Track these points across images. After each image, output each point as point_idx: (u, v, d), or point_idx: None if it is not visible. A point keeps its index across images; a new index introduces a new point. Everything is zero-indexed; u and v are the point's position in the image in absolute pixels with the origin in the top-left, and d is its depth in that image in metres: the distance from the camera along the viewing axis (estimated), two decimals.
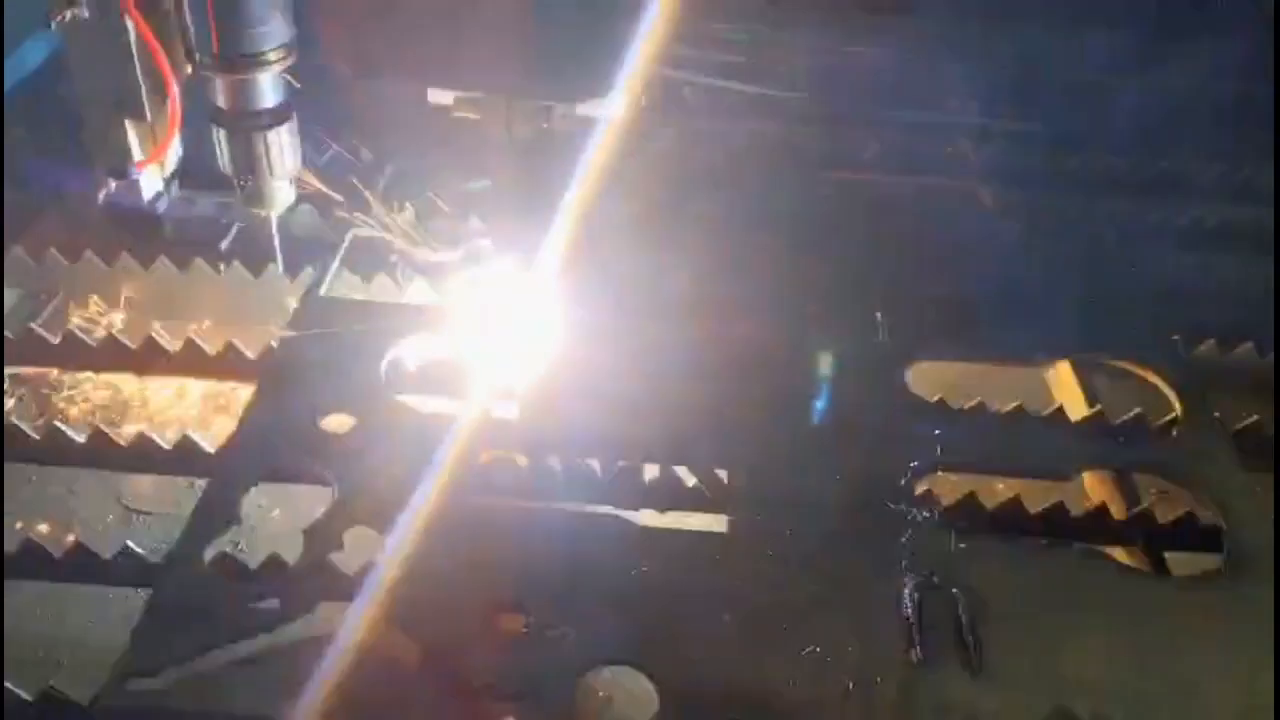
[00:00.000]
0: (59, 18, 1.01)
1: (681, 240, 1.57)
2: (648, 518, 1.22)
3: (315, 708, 0.97)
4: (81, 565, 1.14)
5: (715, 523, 1.22)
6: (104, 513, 1.43)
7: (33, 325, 1.38)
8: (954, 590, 1.14)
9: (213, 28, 1.07)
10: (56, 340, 1.38)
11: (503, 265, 1.39)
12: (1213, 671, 1.09)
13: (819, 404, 1.35)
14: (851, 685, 1.05)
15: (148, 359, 1.39)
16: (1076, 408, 1.42)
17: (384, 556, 1.11)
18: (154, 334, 1.38)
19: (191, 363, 1.39)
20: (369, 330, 1.38)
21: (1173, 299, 1.61)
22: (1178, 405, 1.41)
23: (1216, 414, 1.40)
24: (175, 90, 1.06)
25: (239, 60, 1.09)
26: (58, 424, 1.25)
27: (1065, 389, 1.48)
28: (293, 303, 1.46)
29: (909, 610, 1.12)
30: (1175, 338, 1.50)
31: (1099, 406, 1.39)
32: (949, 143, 1.95)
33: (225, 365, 1.38)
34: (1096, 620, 1.14)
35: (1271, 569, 1.20)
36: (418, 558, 1.12)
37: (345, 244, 1.53)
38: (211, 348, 1.38)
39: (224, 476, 1.19)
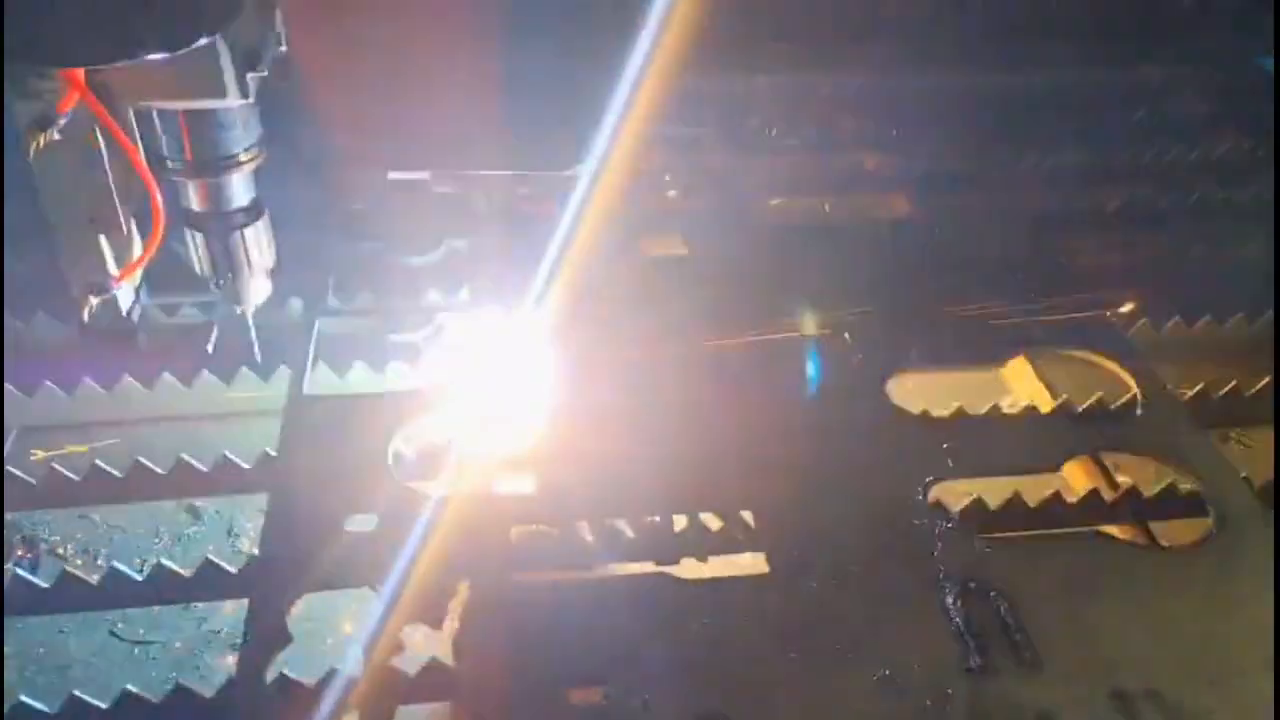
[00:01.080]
0: (35, 145, 0.98)
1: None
2: (690, 569, 1.25)
3: None
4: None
5: (755, 563, 1.25)
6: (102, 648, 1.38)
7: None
8: (991, 593, 1.21)
9: (185, 134, 1.05)
10: (35, 482, 1.32)
11: (484, 325, 1.41)
12: (1233, 625, 1.18)
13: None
14: (929, 703, 1.10)
15: (138, 484, 1.34)
16: (1043, 401, 1.51)
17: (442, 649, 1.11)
18: (139, 460, 1.33)
19: (186, 482, 1.34)
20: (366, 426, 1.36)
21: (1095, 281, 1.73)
22: (1133, 384, 1.52)
23: (1168, 386, 1.52)
24: (159, 197, 1.03)
25: (212, 163, 1.07)
26: (68, 568, 1.20)
27: (1025, 384, 1.57)
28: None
29: (957, 619, 1.18)
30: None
31: (1065, 397, 1.49)
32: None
33: (222, 480, 1.34)
34: (1121, 598, 1.21)
35: (1260, 523, 1.30)
36: (475, 645, 1.12)
37: (313, 336, 1.50)
38: (204, 464, 1.34)
39: (264, 596, 1.16)
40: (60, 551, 1.45)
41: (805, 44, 1.92)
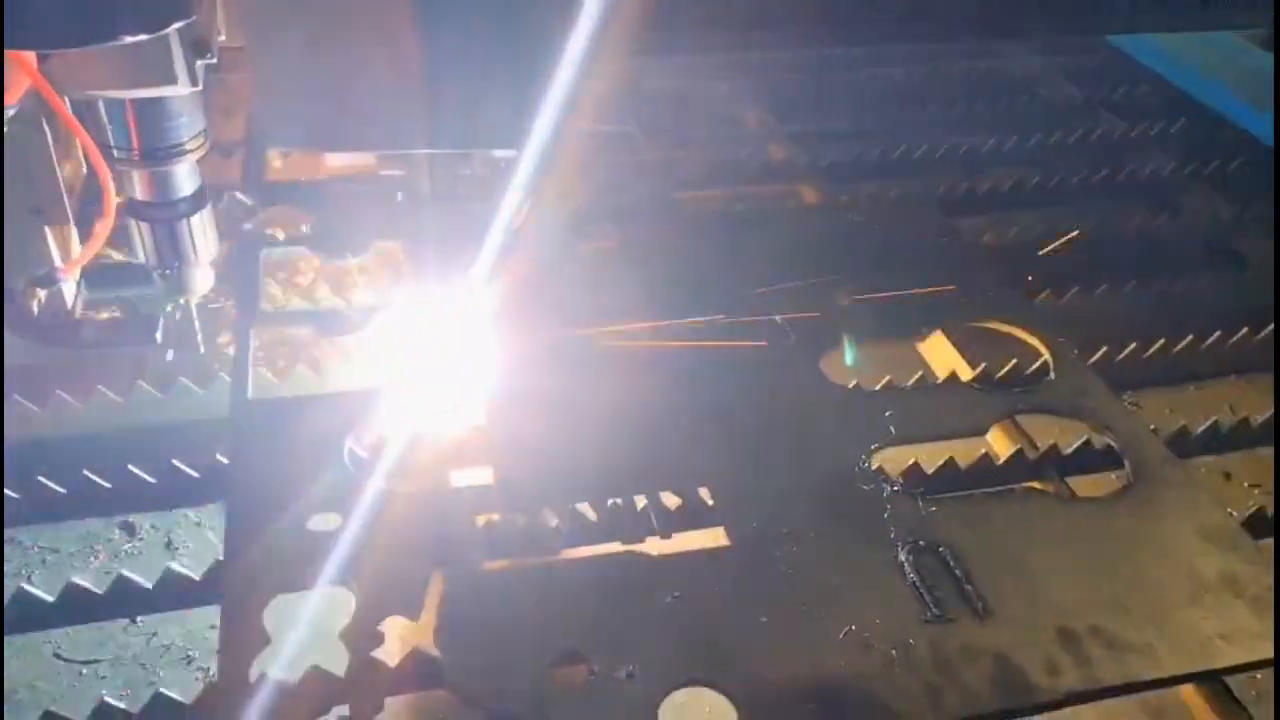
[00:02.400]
0: None
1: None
2: (655, 546, 1.28)
3: None
4: None
5: (715, 537, 1.29)
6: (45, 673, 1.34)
7: None
8: (939, 549, 1.28)
9: (132, 123, 1.05)
10: None
11: (425, 318, 1.43)
12: (1159, 565, 1.28)
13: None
14: (893, 652, 1.16)
15: (83, 501, 1.31)
16: (962, 371, 1.60)
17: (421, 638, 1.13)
18: (87, 472, 1.31)
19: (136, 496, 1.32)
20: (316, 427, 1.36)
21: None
22: (1045, 351, 1.62)
23: (1076, 352, 1.62)
24: (112, 187, 1.03)
25: (160, 152, 1.07)
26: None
27: (943, 356, 1.65)
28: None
29: (911, 575, 1.24)
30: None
31: (983, 365, 1.58)
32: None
33: (173, 492, 1.33)
34: (1056, 547, 1.30)
35: (1173, 472, 1.41)
36: (455, 633, 1.14)
37: (249, 342, 1.49)
38: (152, 475, 1.32)
39: (235, 599, 1.15)
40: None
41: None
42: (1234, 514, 1.38)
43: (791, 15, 1.47)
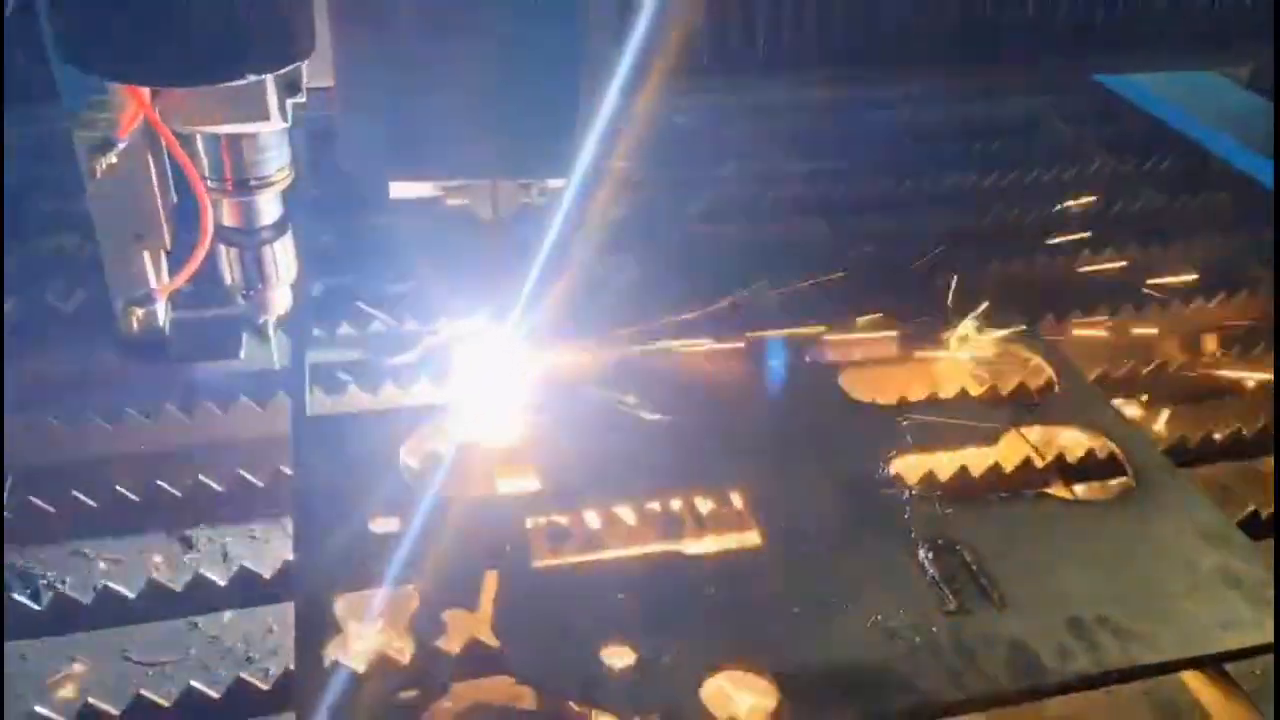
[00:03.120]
0: (97, 169, 1.07)
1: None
2: (692, 545, 1.38)
3: None
4: None
5: (748, 538, 1.38)
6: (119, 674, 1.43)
7: None
8: (957, 547, 1.37)
9: (226, 156, 1.15)
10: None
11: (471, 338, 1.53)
12: (1160, 561, 1.37)
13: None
14: (917, 639, 1.25)
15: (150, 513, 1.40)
16: (972, 387, 1.70)
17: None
18: (160, 483, 1.40)
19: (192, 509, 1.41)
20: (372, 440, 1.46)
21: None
22: (1049, 369, 1.72)
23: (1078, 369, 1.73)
24: (209, 214, 1.13)
25: (250, 183, 1.17)
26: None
27: (953, 374, 1.76)
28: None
29: (931, 571, 1.34)
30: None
31: (993, 383, 1.68)
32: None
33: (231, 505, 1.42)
34: (1064, 545, 1.39)
35: (1170, 478, 1.51)
36: (511, 623, 1.23)
37: (306, 365, 1.59)
38: (221, 485, 1.42)
39: (306, 597, 1.24)
40: (59, 587, 1.49)
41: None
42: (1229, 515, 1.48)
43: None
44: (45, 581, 1.44)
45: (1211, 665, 1.29)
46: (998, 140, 2.50)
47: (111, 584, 1.28)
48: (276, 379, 1.59)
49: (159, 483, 1.41)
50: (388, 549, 1.31)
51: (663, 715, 1.15)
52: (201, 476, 1.41)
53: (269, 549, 1.41)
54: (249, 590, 1.29)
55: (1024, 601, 1.31)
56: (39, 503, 1.37)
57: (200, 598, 1.28)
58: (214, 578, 1.29)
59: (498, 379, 1.55)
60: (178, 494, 1.41)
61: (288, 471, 1.43)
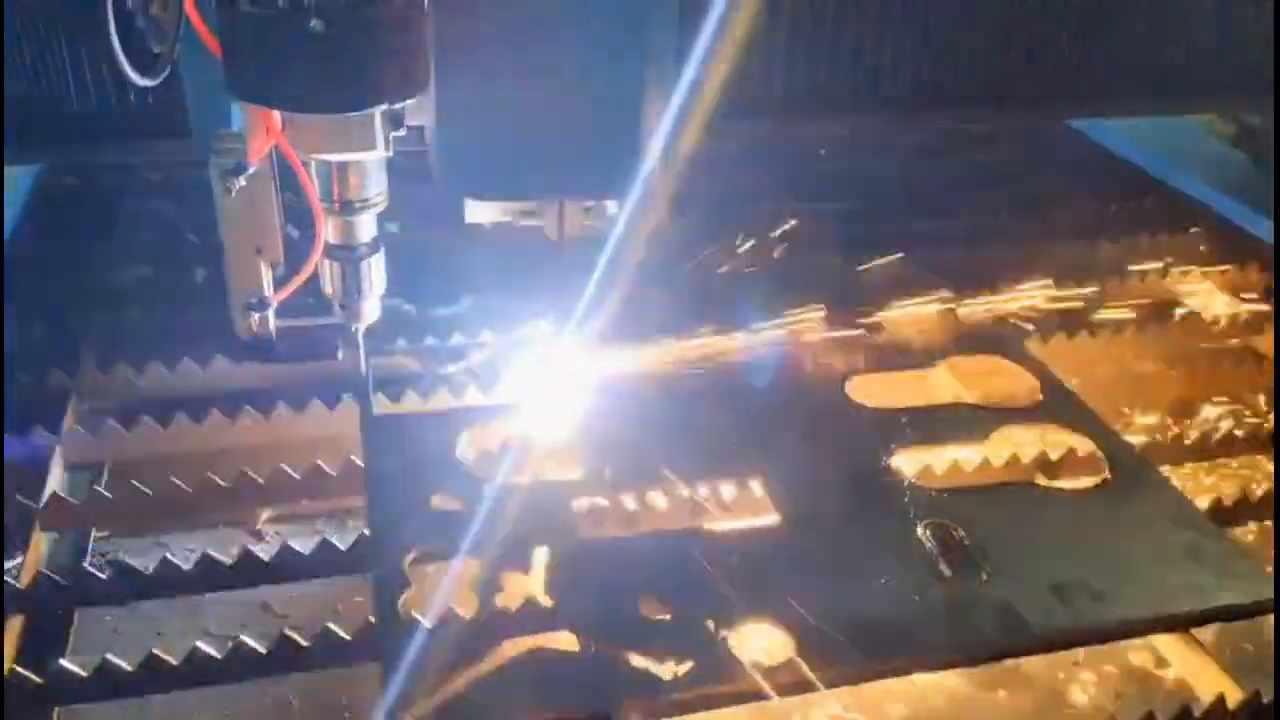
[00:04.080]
0: (229, 190, 1.27)
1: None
2: (717, 523, 1.56)
3: None
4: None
5: (766, 518, 1.57)
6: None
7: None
8: (950, 526, 1.55)
9: (335, 181, 1.34)
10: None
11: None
12: (1134, 540, 1.55)
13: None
14: (916, 598, 1.43)
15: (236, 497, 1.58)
16: (964, 396, 1.89)
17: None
18: (245, 471, 1.59)
19: (282, 492, 1.60)
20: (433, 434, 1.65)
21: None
22: (1034, 379, 1.91)
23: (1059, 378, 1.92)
24: (325, 232, 1.33)
25: (353, 205, 1.36)
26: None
27: (947, 384, 1.95)
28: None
29: (928, 545, 1.52)
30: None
31: (982, 391, 1.87)
32: None
33: (313, 486, 1.60)
34: (1048, 526, 1.57)
35: (1144, 473, 1.69)
36: (563, 585, 1.41)
37: (369, 372, 1.78)
38: (298, 474, 1.60)
39: (381, 561, 1.42)
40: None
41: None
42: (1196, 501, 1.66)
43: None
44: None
45: (1180, 627, 1.45)
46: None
47: (212, 552, 1.45)
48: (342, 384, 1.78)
49: (245, 469, 1.59)
50: (450, 523, 1.49)
51: (695, 660, 1.32)
52: (283, 465, 1.59)
53: (345, 526, 1.59)
54: (331, 558, 1.47)
55: (1011, 571, 1.48)
56: (142, 487, 1.55)
57: (287, 566, 1.46)
58: (298, 548, 1.47)
59: (541, 382, 1.73)
60: (260, 480, 1.59)
61: (358, 461, 1.61)
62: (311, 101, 1.09)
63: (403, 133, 1.28)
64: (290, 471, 1.60)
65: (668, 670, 1.30)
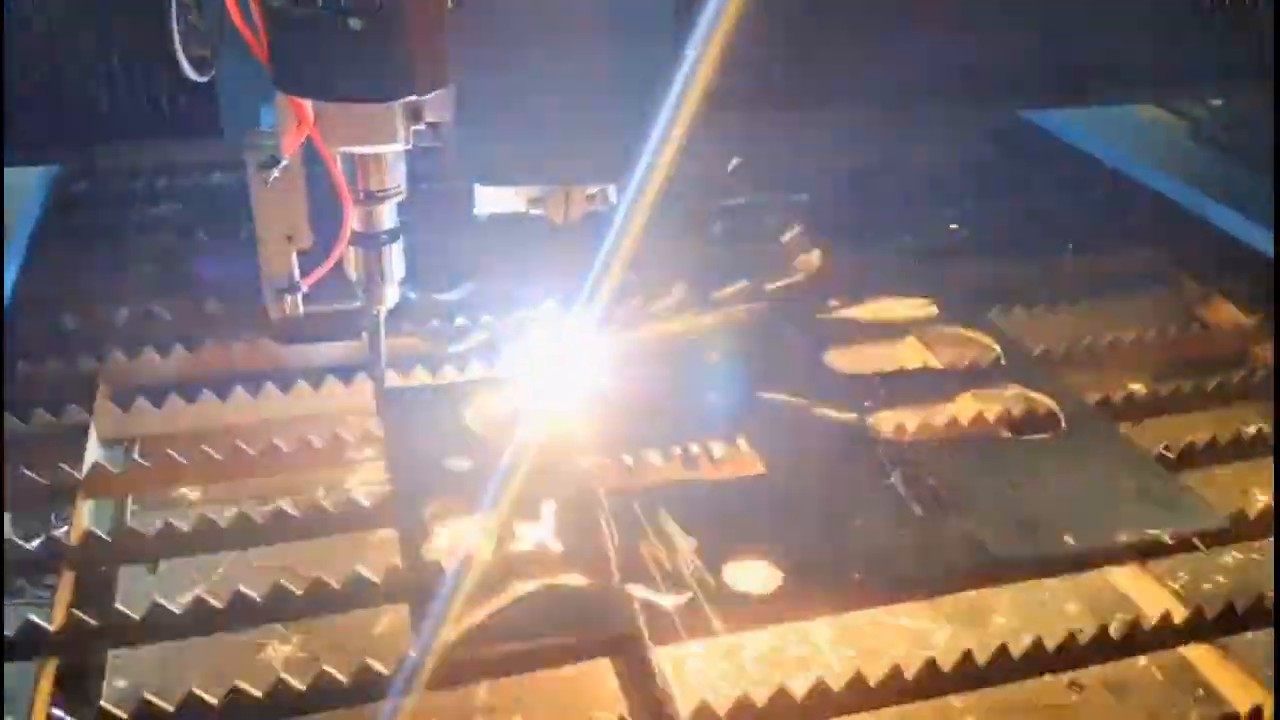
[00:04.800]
0: (267, 180, 1.40)
1: None
2: (710, 473, 1.70)
3: None
4: None
5: (753, 469, 1.71)
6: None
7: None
8: (923, 474, 1.70)
9: (359, 172, 1.47)
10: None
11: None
12: (1087, 480, 1.70)
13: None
14: (892, 535, 1.57)
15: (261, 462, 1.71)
16: (932, 363, 2.04)
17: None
18: (273, 440, 1.71)
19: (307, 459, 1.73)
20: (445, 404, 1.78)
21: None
22: (996, 347, 2.07)
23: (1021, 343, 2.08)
24: (350, 217, 1.46)
25: (376, 195, 1.49)
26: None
27: (918, 354, 2.10)
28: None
29: (903, 490, 1.66)
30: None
31: (948, 359, 2.03)
32: None
33: (336, 453, 1.74)
34: (1012, 470, 1.72)
35: (1097, 425, 1.84)
36: (572, 532, 1.54)
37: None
38: (320, 442, 1.73)
39: (406, 513, 1.56)
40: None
41: None
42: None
43: None
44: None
45: (1135, 556, 1.60)
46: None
47: (249, 511, 1.58)
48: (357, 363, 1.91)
49: (275, 441, 1.71)
50: (464, 481, 1.62)
51: (694, 591, 1.45)
52: (307, 434, 1.72)
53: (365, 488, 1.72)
54: (356, 515, 1.60)
55: (981, 510, 1.63)
56: (176, 456, 1.68)
57: (318, 521, 1.58)
58: (328, 506, 1.60)
59: (540, 356, 1.87)
60: (285, 448, 1.72)
61: (375, 430, 1.74)
62: (349, 92, 1.21)
63: (421, 126, 1.40)
64: (313, 440, 1.72)
65: (669, 600, 1.44)
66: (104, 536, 1.54)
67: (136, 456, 1.78)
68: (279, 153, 1.37)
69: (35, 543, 1.51)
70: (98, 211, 2.46)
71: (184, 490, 1.72)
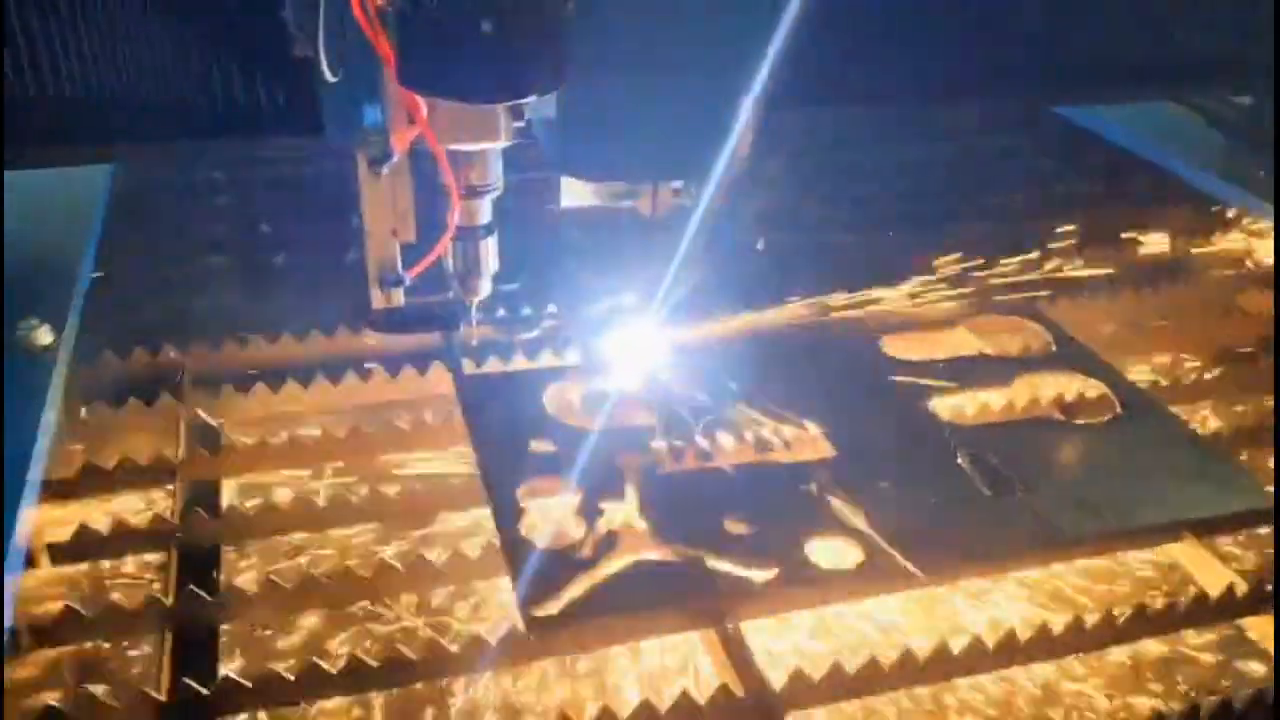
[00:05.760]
0: (378, 176, 1.46)
1: None
2: (782, 456, 1.76)
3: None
4: None
5: (824, 452, 1.77)
6: None
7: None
8: (987, 455, 1.76)
9: (461, 168, 1.53)
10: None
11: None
12: (1142, 460, 1.77)
13: None
14: (963, 514, 1.64)
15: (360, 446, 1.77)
16: (986, 350, 2.11)
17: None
18: (358, 425, 1.78)
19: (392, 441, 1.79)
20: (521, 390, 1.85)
21: None
22: (1048, 334, 2.13)
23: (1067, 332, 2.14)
24: (457, 214, 1.52)
25: (477, 189, 1.56)
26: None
27: (969, 341, 2.16)
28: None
29: (969, 469, 1.73)
30: None
31: (1002, 346, 2.09)
32: None
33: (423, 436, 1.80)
34: (1071, 452, 1.79)
35: (1151, 408, 1.91)
36: (654, 510, 1.61)
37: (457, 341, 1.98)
38: (406, 425, 1.80)
39: (499, 494, 1.62)
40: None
41: None
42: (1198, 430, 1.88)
43: None
44: None
45: (1193, 533, 1.67)
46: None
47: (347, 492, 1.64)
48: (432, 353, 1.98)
49: (358, 425, 1.78)
50: (549, 463, 1.69)
51: (780, 567, 1.52)
52: (392, 419, 1.79)
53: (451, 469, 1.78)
54: (449, 495, 1.66)
55: (1043, 491, 1.69)
56: (270, 439, 1.75)
57: (409, 501, 1.65)
58: (419, 488, 1.66)
59: (614, 346, 1.93)
60: (370, 431, 1.78)
61: (457, 416, 1.81)
62: (477, 92, 1.27)
63: (521, 124, 1.47)
64: (399, 424, 1.79)
65: (757, 576, 1.50)
66: (209, 515, 1.60)
67: (225, 441, 1.84)
68: (390, 149, 1.43)
69: (142, 521, 1.58)
70: (169, 205, 2.53)
71: (280, 473, 1.76)
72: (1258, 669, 1.50)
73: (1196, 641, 1.54)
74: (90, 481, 1.67)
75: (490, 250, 1.62)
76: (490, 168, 1.52)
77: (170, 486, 1.70)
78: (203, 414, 1.85)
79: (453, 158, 1.50)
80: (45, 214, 2.24)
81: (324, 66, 1.34)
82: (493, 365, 1.96)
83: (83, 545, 1.56)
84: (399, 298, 1.61)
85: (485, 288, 1.66)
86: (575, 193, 1.64)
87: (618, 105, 1.45)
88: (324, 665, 1.35)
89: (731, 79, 1.43)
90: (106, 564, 1.58)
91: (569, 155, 1.50)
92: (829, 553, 1.57)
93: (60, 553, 1.55)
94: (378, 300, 1.58)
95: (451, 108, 1.38)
